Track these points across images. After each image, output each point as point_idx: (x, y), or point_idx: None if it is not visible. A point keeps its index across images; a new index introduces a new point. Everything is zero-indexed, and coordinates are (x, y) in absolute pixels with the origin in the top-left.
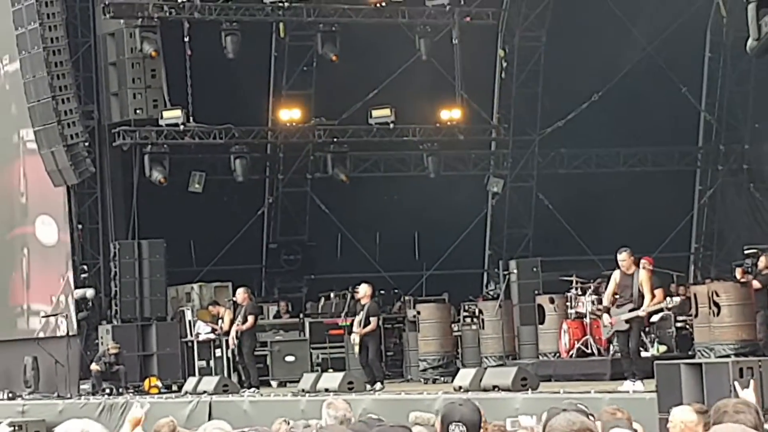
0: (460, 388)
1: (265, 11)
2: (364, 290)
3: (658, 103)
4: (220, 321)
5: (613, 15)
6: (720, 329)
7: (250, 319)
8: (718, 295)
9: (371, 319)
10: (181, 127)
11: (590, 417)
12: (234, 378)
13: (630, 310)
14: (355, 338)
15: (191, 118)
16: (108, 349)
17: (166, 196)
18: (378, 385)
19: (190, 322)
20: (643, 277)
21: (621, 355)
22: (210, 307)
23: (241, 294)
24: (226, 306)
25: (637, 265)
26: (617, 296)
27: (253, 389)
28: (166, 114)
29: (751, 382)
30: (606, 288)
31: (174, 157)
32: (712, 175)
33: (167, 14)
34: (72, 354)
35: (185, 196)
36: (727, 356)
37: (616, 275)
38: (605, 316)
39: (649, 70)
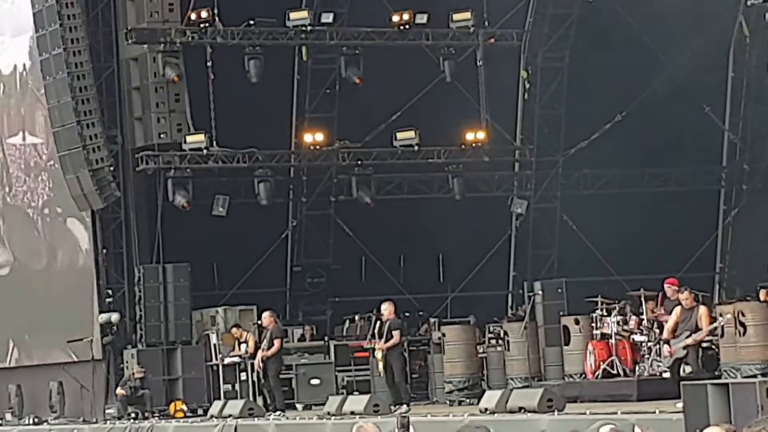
0: (486, 410)
1: (288, 35)
2: (386, 308)
3: (681, 122)
4: (243, 345)
5: (636, 34)
6: (746, 349)
7: (276, 343)
8: (743, 315)
9: (394, 332)
10: (205, 151)
11: None
12: (259, 401)
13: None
14: (378, 354)
15: (215, 143)
16: (133, 374)
17: (190, 220)
18: (404, 408)
19: (215, 345)
20: (702, 312)
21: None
22: (233, 330)
23: (266, 318)
24: (250, 329)
25: (697, 301)
26: (676, 330)
27: (279, 413)
28: (189, 138)
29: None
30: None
31: (197, 181)
32: (737, 194)
33: (189, 39)
34: (97, 378)
35: (209, 219)
36: (754, 376)
37: (677, 310)
38: (665, 347)
39: (671, 89)
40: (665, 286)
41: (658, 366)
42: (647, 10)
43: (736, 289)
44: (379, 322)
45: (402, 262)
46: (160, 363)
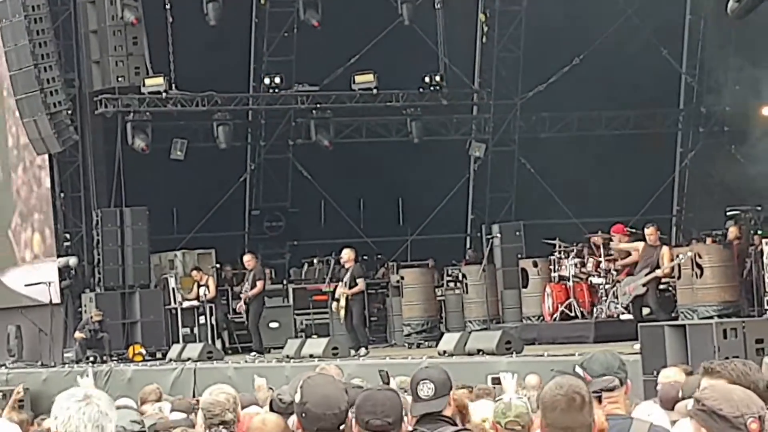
0: (445, 352)
1: None
2: (347, 254)
3: (639, 65)
4: (203, 288)
5: None
6: (703, 291)
7: (259, 284)
8: (700, 257)
9: (357, 281)
10: (164, 94)
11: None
12: (218, 344)
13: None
14: (341, 301)
15: (173, 86)
16: (91, 317)
17: (148, 164)
18: (362, 350)
19: (173, 289)
20: (665, 252)
21: (634, 318)
22: (193, 273)
23: (249, 259)
24: (209, 272)
25: (661, 241)
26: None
27: (254, 354)
28: (148, 81)
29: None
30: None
31: (156, 125)
32: (694, 137)
33: None
34: (56, 322)
35: (168, 163)
36: (711, 318)
37: (638, 246)
38: (626, 286)
39: (629, 32)
40: (612, 233)
41: (616, 308)
42: None
43: (693, 232)
44: (338, 267)
45: (361, 205)
46: (118, 307)
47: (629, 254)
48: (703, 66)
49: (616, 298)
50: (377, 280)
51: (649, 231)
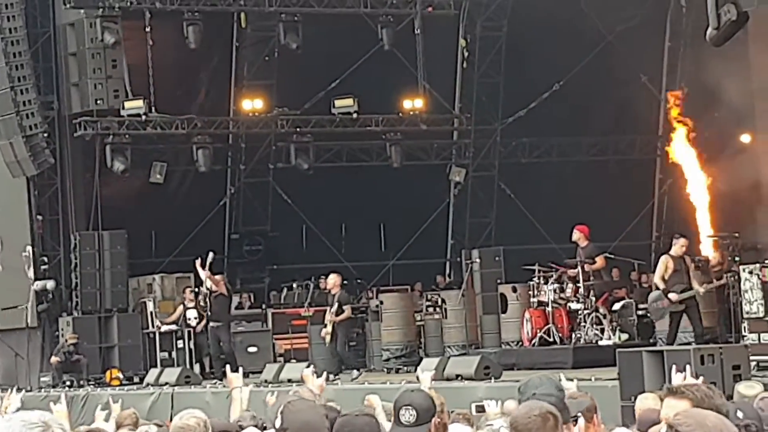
0: None
1: (226, 1)
2: (333, 280)
3: (618, 92)
4: (190, 311)
5: (575, 4)
6: None
7: (347, 309)
8: None
9: (344, 307)
10: (143, 117)
11: (562, 391)
12: (196, 369)
13: (682, 291)
14: (328, 327)
15: (153, 109)
16: (66, 340)
17: (127, 187)
18: (355, 372)
19: (151, 313)
20: (690, 264)
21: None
22: (186, 291)
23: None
24: (189, 296)
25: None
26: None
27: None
28: (127, 104)
29: (688, 367)
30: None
31: (135, 148)
32: (673, 163)
33: (128, 4)
34: (32, 346)
35: (147, 186)
36: (688, 343)
37: (667, 260)
38: (673, 295)
39: (610, 59)
40: (575, 231)
41: (595, 334)
42: None
43: None
44: (317, 291)
45: (342, 229)
46: (96, 330)
47: (595, 262)
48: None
49: (593, 324)
50: (357, 305)
51: (682, 243)
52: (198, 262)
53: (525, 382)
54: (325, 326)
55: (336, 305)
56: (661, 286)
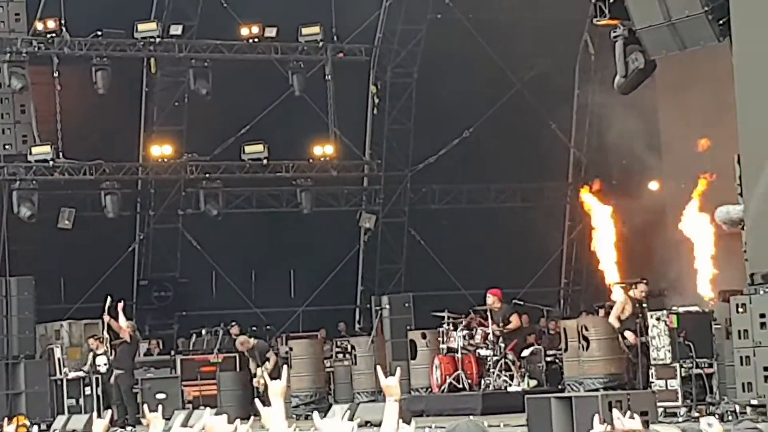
0: None
1: (136, 46)
2: (244, 342)
3: (528, 139)
4: (101, 357)
5: (485, 52)
6: (589, 363)
7: (271, 356)
8: (587, 330)
9: (268, 355)
10: (51, 163)
11: None
12: (107, 415)
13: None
14: (265, 379)
15: (61, 154)
16: None
17: (35, 233)
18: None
19: (59, 359)
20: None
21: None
22: (90, 340)
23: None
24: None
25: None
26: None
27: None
28: (35, 150)
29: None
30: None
31: (43, 193)
32: (581, 210)
33: (36, 49)
34: None
35: (55, 232)
36: (596, 390)
37: (625, 300)
38: (630, 334)
39: (520, 106)
40: (488, 295)
41: (504, 381)
42: (496, 28)
43: (581, 304)
44: (226, 338)
45: (252, 276)
46: (2, 377)
47: (510, 322)
48: (590, 140)
49: (503, 371)
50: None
51: (642, 288)
52: (108, 306)
53: (452, 428)
54: (254, 376)
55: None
56: (616, 325)
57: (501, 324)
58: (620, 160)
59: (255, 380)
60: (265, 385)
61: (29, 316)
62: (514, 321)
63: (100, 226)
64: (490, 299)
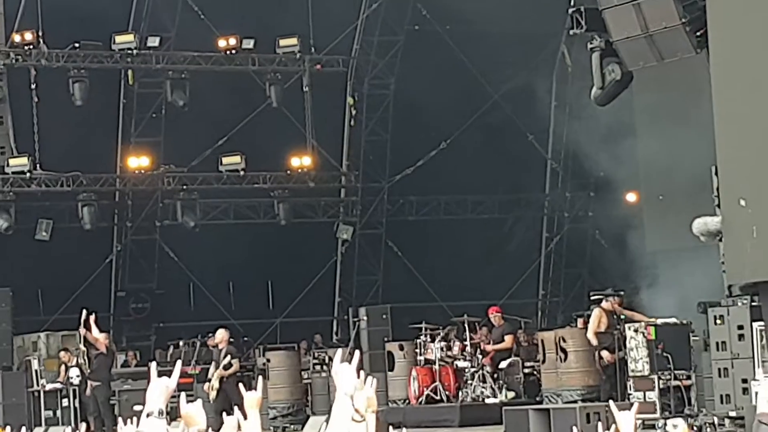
0: None
1: (113, 58)
2: (220, 335)
3: (506, 150)
4: (73, 369)
5: (462, 64)
6: (567, 375)
7: (235, 363)
8: (564, 341)
9: (233, 361)
10: (28, 174)
11: None
12: (82, 428)
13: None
14: (214, 383)
15: (38, 166)
16: None
17: (12, 244)
18: None
19: (36, 371)
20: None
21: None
22: (61, 353)
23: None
24: (76, 354)
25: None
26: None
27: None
28: (12, 161)
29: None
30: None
31: (20, 205)
32: (559, 221)
33: (13, 61)
34: None
35: (32, 244)
36: (574, 402)
37: (601, 316)
38: (607, 354)
39: (497, 118)
40: (490, 315)
41: (481, 392)
42: (474, 40)
43: (558, 316)
44: (204, 349)
45: (230, 287)
46: None
47: (503, 340)
48: (567, 152)
49: (480, 382)
50: (243, 363)
51: (619, 301)
52: (83, 319)
53: None
54: (209, 381)
55: (226, 359)
56: (594, 342)
57: (492, 342)
58: (598, 171)
59: (206, 386)
60: (217, 391)
61: (6, 327)
62: (508, 341)
63: (77, 237)
64: (493, 316)
